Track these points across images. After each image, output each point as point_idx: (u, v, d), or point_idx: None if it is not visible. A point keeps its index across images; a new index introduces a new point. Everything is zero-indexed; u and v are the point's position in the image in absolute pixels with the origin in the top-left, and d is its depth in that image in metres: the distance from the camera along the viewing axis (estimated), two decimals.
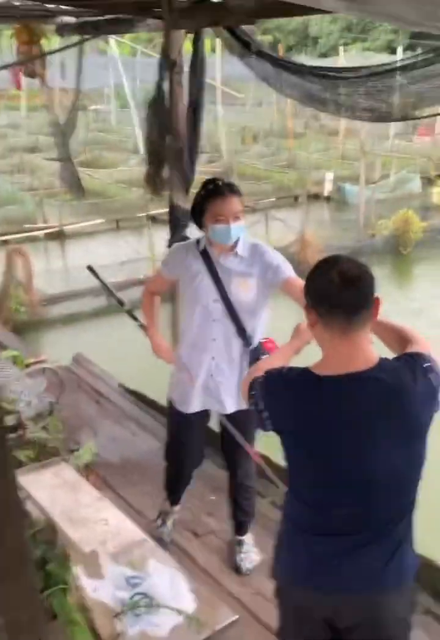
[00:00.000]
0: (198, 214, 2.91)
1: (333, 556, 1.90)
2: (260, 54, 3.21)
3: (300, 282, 2.83)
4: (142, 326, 3.36)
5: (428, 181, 18.01)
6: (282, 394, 1.92)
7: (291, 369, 1.96)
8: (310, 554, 1.94)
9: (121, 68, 19.99)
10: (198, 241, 3.01)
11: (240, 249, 2.91)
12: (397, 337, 2.03)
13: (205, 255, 2.95)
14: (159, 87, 4.02)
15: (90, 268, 3.63)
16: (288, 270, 2.91)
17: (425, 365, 1.82)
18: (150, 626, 2.14)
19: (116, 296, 3.41)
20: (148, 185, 4.31)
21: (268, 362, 2.09)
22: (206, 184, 2.88)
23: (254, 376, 2.01)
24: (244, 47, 3.38)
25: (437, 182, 16.94)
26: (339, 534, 1.89)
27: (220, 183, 2.84)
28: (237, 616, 2.44)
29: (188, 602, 2.25)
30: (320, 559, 1.92)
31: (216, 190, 2.81)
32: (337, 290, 1.77)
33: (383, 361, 1.82)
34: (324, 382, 1.83)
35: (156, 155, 4.04)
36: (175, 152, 4.23)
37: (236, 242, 2.90)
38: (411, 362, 1.82)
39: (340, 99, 2.90)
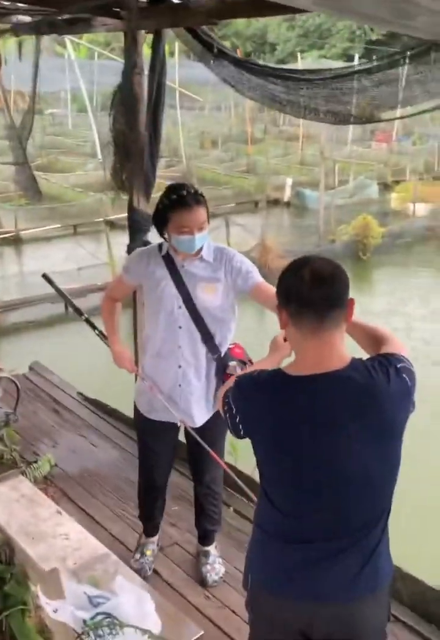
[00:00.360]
0: (161, 223, 2.81)
1: (307, 564, 1.84)
2: (222, 55, 3.16)
3: (270, 287, 2.81)
4: (101, 334, 3.25)
5: (385, 187, 18.33)
6: (254, 396, 1.86)
7: (263, 371, 1.90)
8: (284, 563, 1.88)
9: (78, 71, 19.70)
10: (160, 246, 2.92)
11: (205, 254, 2.83)
12: (372, 337, 1.99)
13: (168, 260, 2.86)
14: (127, 76, 3.86)
15: (45, 276, 3.51)
16: (257, 276, 2.85)
17: (399, 365, 1.77)
18: None
19: (74, 305, 3.29)
20: (114, 180, 4.17)
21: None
22: (170, 191, 2.75)
23: (228, 386, 1.96)
24: (206, 48, 3.32)
25: (394, 187, 17.22)
26: (312, 541, 1.83)
27: (185, 193, 2.70)
28: (201, 632, 2.35)
29: (153, 623, 2.15)
30: (293, 567, 1.86)
31: (181, 201, 2.69)
32: (308, 288, 1.71)
33: (355, 361, 1.77)
34: (295, 382, 1.78)
35: (124, 151, 3.91)
36: (136, 154, 4.14)
37: (201, 247, 2.83)
38: (385, 362, 1.78)
39: (302, 100, 2.87)
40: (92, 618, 2.05)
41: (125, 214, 4.56)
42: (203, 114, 32.41)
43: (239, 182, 18.77)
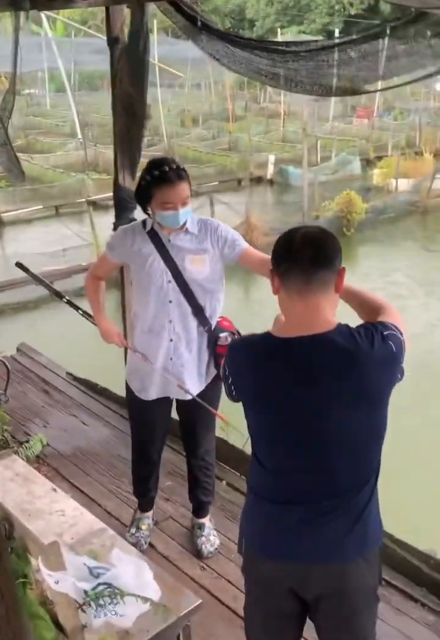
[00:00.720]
0: (144, 200, 2.81)
1: (298, 525, 1.88)
2: (207, 28, 3.13)
3: (258, 252, 2.90)
4: (86, 314, 3.23)
5: (367, 162, 18.35)
6: (243, 358, 1.91)
7: (254, 335, 1.95)
8: (275, 524, 1.91)
9: (56, 50, 19.39)
10: (144, 222, 2.92)
11: (190, 226, 2.83)
12: (369, 307, 2.00)
13: (153, 236, 2.85)
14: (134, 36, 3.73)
15: (19, 265, 3.47)
16: (243, 242, 2.88)
17: (386, 332, 1.79)
18: (116, 616, 2.07)
19: (53, 288, 3.26)
20: (120, 146, 4.07)
21: None
22: (151, 167, 2.73)
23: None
24: (189, 21, 3.29)
25: (376, 163, 17.25)
26: (301, 502, 1.86)
27: (167, 168, 2.69)
28: (200, 600, 2.40)
29: (153, 591, 2.19)
30: (284, 528, 1.90)
31: (163, 177, 2.68)
32: (296, 248, 1.76)
33: (342, 326, 1.80)
34: (281, 343, 1.81)
35: (132, 111, 3.82)
36: (120, 132, 4.11)
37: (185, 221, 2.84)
38: (371, 328, 1.80)
39: (288, 73, 2.86)
40: (94, 588, 2.09)
41: (108, 194, 4.51)
42: (183, 91, 32.11)
43: (222, 160, 18.70)
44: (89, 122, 22.78)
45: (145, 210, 2.87)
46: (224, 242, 2.83)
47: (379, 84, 3.63)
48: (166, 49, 21.61)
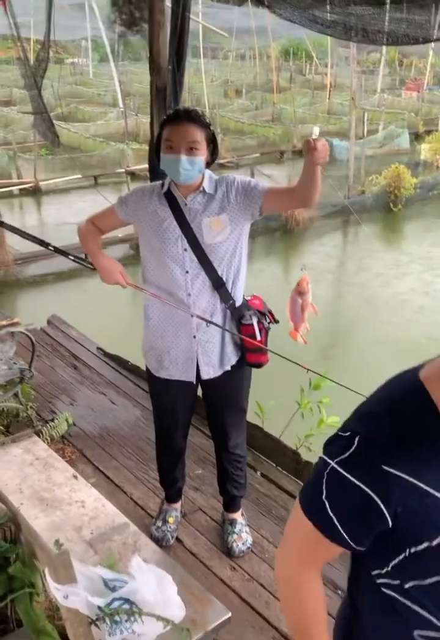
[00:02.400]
0: (158, 147, 2.51)
1: None
2: None
3: (281, 186, 2.68)
4: (78, 259, 2.80)
5: (416, 137, 17.64)
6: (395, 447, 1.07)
7: (388, 390, 1.17)
8: None
9: (98, 14, 19.07)
10: (163, 183, 2.60)
11: (207, 186, 2.51)
12: None
13: (170, 198, 2.54)
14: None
15: None
16: (263, 184, 2.53)
17: None
18: (132, 635, 1.81)
19: (37, 238, 2.91)
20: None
21: None
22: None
23: None
24: None
25: (425, 138, 16.52)
26: None
27: (180, 108, 2.45)
28: (229, 614, 2.13)
29: (177, 607, 1.92)
30: None
31: (173, 114, 2.42)
32: None
33: None
34: None
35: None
36: (158, 90, 3.81)
37: (201, 180, 2.51)
38: None
39: (349, 20, 2.49)
40: (109, 604, 1.82)
41: (146, 165, 4.22)
42: (227, 62, 31.52)
43: (264, 132, 18.21)
44: (131, 92, 22.51)
45: (160, 161, 2.54)
46: (243, 189, 2.49)
47: None
48: (211, 16, 21.09)
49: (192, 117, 2.40)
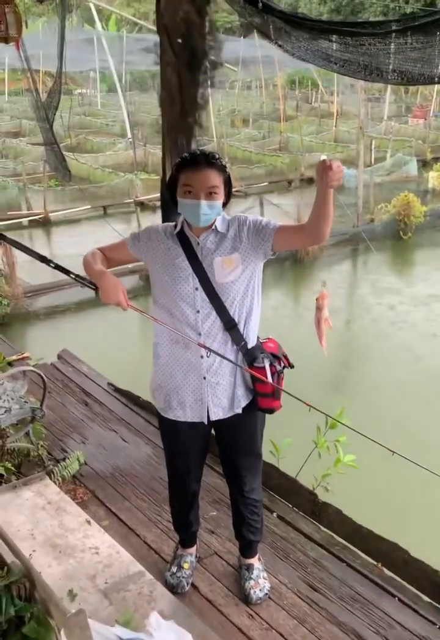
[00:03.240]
0: (171, 188, 2.49)
1: None
2: (268, 9, 2.76)
3: (291, 224, 2.71)
4: (79, 278, 2.63)
5: (423, 164, 17.67)
6: None
7: None
8: None
9: (107, 48, 19.34)
10: (176, 223, 2.57)
11: (219, 226, 2.48)
12: None
13: (182, 237, 2.52)
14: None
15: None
16: (275, 222, 2.49)
17: None
18: None
19: (37, 253, 2.81)
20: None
21: None
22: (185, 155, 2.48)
23: None
24: (248, 3, 2.93)
25: (433, 165, 16.55)
26: None
27: (198, 152, 2.43)
28: None
29: None
30: None
31: (191, 159, 2.39)
32: None
33: None
34: None
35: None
36: (168, 128, 3.80)
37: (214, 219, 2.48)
38: None
39: (363, 59, 2.47)
40: None
41: (156, 195, 4.20)
42: (233, 92, 31.83)
43: (272, 161, 18.29)
44: (139, 122, 22.73)
45: (174, 202, 2.51)
46: (255, 228, 2.46)
47: None
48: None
49: (211, 161, 2.37)
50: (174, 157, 3.63)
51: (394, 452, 2.41)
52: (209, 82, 3.55)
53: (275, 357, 2.63)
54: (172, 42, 3.35)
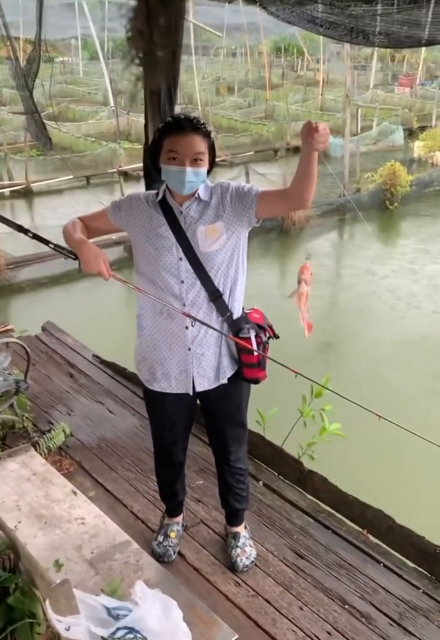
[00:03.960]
0: (155, 154, 2.41)
1: None
2: None
3: (274, 188, 2.54)
4: (58, 247, 2.58)
5: (409, 133, 17.59)
6: None
7: None
8: None
9: (88, 13, 18.94)
10: (157, 191, 2.51)
11: (202, 194, 2.43)
12: None
13: (164, 206, 2.46)
14: None
15: None
16: (258, 187, 2.43)
17: None
18: None
19: (15, 223, 2.74)
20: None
21: None
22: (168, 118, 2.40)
23: None
24: None
25: (419, 134, 16.47)
26: None
27: (182, 116, 2.34)
28: (236, 636, 2.06)
29: (183, 633, 1.85)
30: None
31: (175, 124, 2.32)
32: None
33: None
34: None
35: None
36: (152, 92, 3.72)
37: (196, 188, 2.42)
38: None
39: (349, 22, 2.41)
40: (112, 634, 1.75)
41: (139, 164, 4.13)
42: (218, 59, 31.39)
43: (257, 129, 18.12)
44: (122, 90, 22.36)
45: (156, 168, 2.44)
46: (237, 194, 2.40)
47: None
48: (202, 14, 20.96)
49: (196, 126, 2.31)
50: (157, 124, 3.55)
51: (380, 416, 2.40)
52: (182, 10, 3.34)
53: (260, 327, 2.61)
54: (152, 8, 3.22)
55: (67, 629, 1.66)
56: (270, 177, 11.24)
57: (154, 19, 3.31)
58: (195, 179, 2.34)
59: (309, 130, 2.07)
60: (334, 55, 29.61)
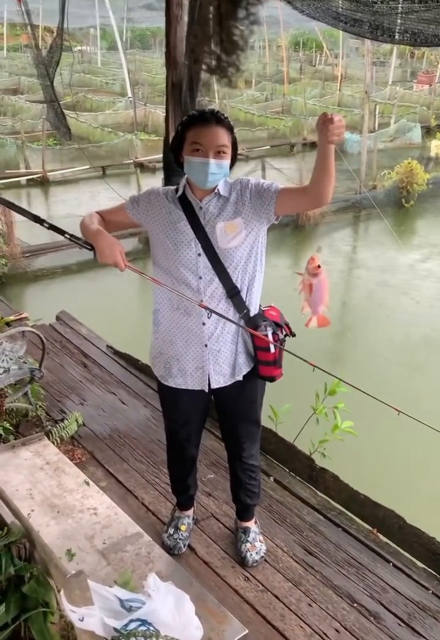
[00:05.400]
0: (177, 146, 2.42)
1: None
2: None
3: (295, 186, 2.55)
4: (74, 238, 2.56)
5: (427, 131, 17.45)
6: None
7: None
8: None
9: (108, 3, 18.92)
10: (177, 188, 2.51)
11: (222, 189, 2.43)
12: None
13: (183, 201, 2.46)
14: None
15: None
16: (277, 184, 2.43)
17: None
18: None
19: (30, 213, 2.72)
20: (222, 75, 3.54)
21: None
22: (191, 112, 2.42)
23: None
24: None
25: (436, 133, 16.33)
26: None
27: (206, 110, 2.36)
28: (246, 631, 2.07)
29: (195, 628, 1.86)
30: None
31: (200, 116, 2.33)
32: None
33: None
34: None
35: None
36: (173, 85, 3.72)
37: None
38: None
39: (374, 19, 2.39)
40: (125, 625, 1.76)
41: (156, 156, 4.12)
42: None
43: (274, 123, 18.04)
44: (140, 81, 22.36)
45: (178, 162, 2.45)
46: (256, 191, 2.40)
47: None
48: None
49: (220, 119, 2.32)
50: (178, 116, 3.55)
51: (399, 411, 2.39)
52: (251, 19, 3.31)
53: (277, 325, 2.60)
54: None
55: (81, 620, 1.68)
56: (286, 172, 11.20)
57: (224, 24, 3.27)
58: (218, 171, 2.34)
59: (324, 121, 2.06)
60: (353, 51, 29.42)
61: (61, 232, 2.61)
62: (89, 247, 2.45)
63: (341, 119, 2.08)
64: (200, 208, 2.44)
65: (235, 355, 2.60)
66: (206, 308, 2.46)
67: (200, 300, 2.47)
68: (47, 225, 2.65)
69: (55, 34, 7.15)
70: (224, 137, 2.32)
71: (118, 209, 2.61)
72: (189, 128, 2.34)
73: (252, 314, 2.55)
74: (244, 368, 2.62)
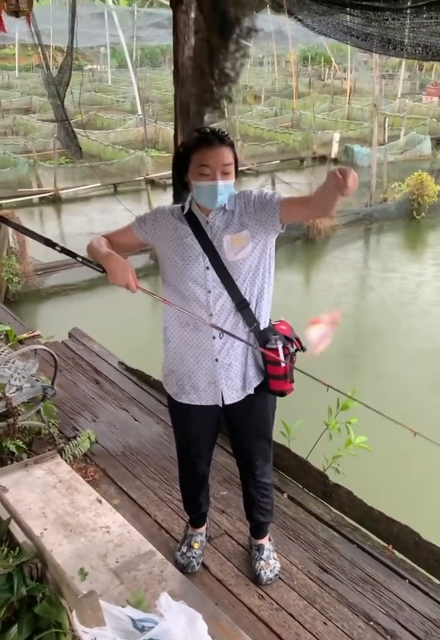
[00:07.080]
0: (181, 168, 2.43)
1: None
2: None
3: (298, 197, 2.52)
4: (86, 261, 2.57)
5: (437, 143, 17.44)
6: None
7: None
8: None
9: (117, 22, 19.13)
10: (183, 205, 2.52)
11: (228, 204, 2.44)
12: None
13: (190, 217, 2.47)
14: None
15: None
16: (280, 195, 2.43)
17: None
18: None
19: (42, 237, 2.72)
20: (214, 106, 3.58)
21: None
22: (194, 133, 2.42)
23: None
24: None
25: None
26: None
27: (208, 130, 2.37)
28: None
29: None
30: None
31: (204, 137, 2.34)
32: None
33: None
34: None
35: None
36: (182, 103, 3.75)
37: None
38: None
39: (385, 34, 2.39)
40: None
41: (166, 172, 4.15)
42: (245, 67, 31.50)
43: (284, 138, 18.10)
44: (150, 98, 22.55)
45: (184, 186, 2.47)
46: (260, 202, 2.40)
47: None
48: None
49: (223, 138, 2.33)
50: (186, 133, 3.57)
51: (416, 432, 2.37)
52: (241, 53, 3.37)
53: (287, 339, 2.60)
54: (203, 10, 3.23)
55: None
56: (296, 186, 11.22)
57: (215, 60, 3.32)
58: (225, 191, 2.36)
59: (337, 183, 1.98)
60: (361, 64, 29.50)
61: (73, 255, 2.62)
62: (101, 270, 2.46)
63: (355, 176, 2.01)
64: (207, 222, 2.45)
65: (245, 368, 2.59)
66: (216, 327, 2.47)
67: (209, 315, 2.48)
68: (59, 248, 2.66)
69: (65, 53, 7.26)
70: (228, 156, 2.34)
71: (125, 230, 2.62)
72: (194, 151, 2.35)
73: (262, 327, 2.55)
74: (254, 381, 2.61)
